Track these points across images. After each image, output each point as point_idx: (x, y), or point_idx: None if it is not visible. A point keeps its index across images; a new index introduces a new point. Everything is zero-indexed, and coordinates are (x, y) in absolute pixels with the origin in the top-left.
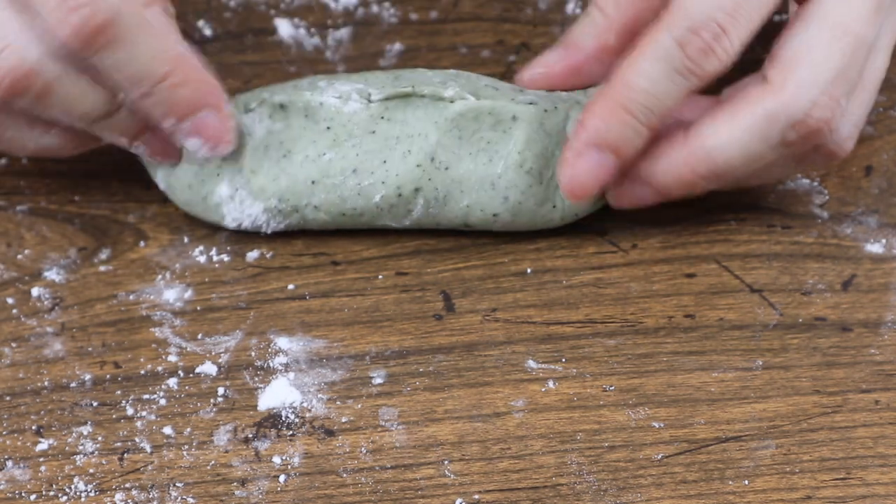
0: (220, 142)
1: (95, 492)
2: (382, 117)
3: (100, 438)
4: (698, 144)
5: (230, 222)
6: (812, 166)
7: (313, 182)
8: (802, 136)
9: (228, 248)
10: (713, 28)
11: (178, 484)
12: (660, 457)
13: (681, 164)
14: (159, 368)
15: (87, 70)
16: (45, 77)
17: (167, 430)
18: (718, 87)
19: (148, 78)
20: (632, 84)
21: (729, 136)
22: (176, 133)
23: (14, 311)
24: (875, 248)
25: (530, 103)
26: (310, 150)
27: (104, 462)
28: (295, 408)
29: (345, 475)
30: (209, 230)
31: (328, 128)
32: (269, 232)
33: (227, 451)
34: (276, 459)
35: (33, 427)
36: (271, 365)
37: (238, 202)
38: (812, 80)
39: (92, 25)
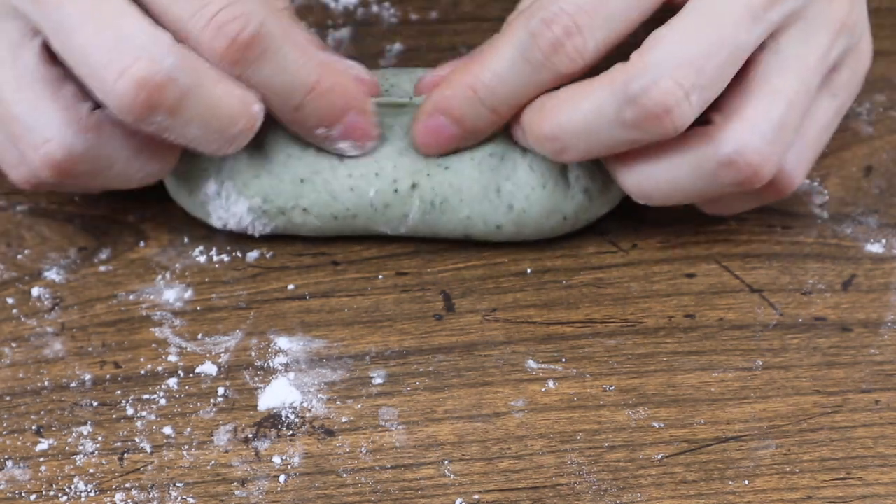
0: (368, 139)
1: (95, 492)
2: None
3: (100, 438)
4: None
5: (216, 221)
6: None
7: (302, 181)
8: (642, 116)
9: (228, 248)
10: (566, 23)
11: (178, 484)
12: (660, 457)
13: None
14: (159, 368)
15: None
16: (181, 86)
17: (167, 430)
18: None
19: (299, 89)
20: (483, 64)
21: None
22: (326, 139)
23: (14, 311)
24: (875, 248)
25: None
26: (292, 147)
27: (104, 462)
28: (295, 408)
29: (345, 475)
30: (209, 230)
31: None
32: (256, 235)
33: (227, 451)
34: (276, 459)
35: (33, 427)
36: (271, 365)
37: (224, 199)
38: (662, 60)
39: (243, 40)
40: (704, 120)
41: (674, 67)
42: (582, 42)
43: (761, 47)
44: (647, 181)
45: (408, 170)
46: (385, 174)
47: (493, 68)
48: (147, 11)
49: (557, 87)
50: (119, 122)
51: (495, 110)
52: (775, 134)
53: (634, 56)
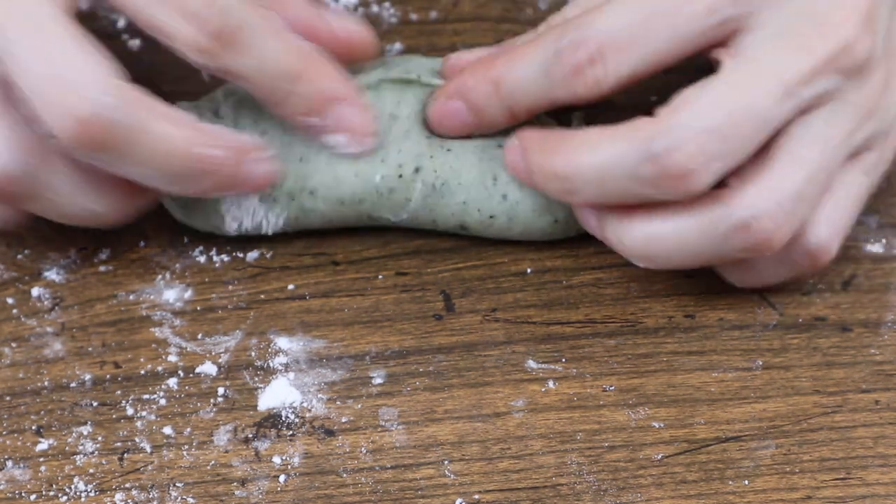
0: (366, 134)
1: (95, 492)
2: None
3: (100, 438)
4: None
5: (231, 223)
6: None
7: (301, 159)
8: (660, 174)
9: (228, 248)
10: (592, 50)
11: (178, 484)
12: (660, 457)
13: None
14: (159, 368)
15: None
16: (123, 126)
17: (167, 430)
18: None
19: (286, 75)
20: (509, 64)
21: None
22: (320, 131)
23: (14, 311)
24: (875, 248)
25: None
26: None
27: (104, 462)
28: (295, 408)
29: (345, 475)
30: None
31: None
32: (269, 232)
33: (227, 451)
34: (276, 459)
35: (33, 427)
36: (271, 365)
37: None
38: (689, 123)
39: (225, 32)
40: (720, 183)
41: (700, 132)
42: (603, 73)
43: (787, 122)
44: (653, 240)
45: (412, 153)
46: (390, 160)
47: (516, 71)
48: (123, 12)
49: (576, 108)
50: (66, 154)
51: (511, 110)
52: (792, 203)
53: (662, 113)
